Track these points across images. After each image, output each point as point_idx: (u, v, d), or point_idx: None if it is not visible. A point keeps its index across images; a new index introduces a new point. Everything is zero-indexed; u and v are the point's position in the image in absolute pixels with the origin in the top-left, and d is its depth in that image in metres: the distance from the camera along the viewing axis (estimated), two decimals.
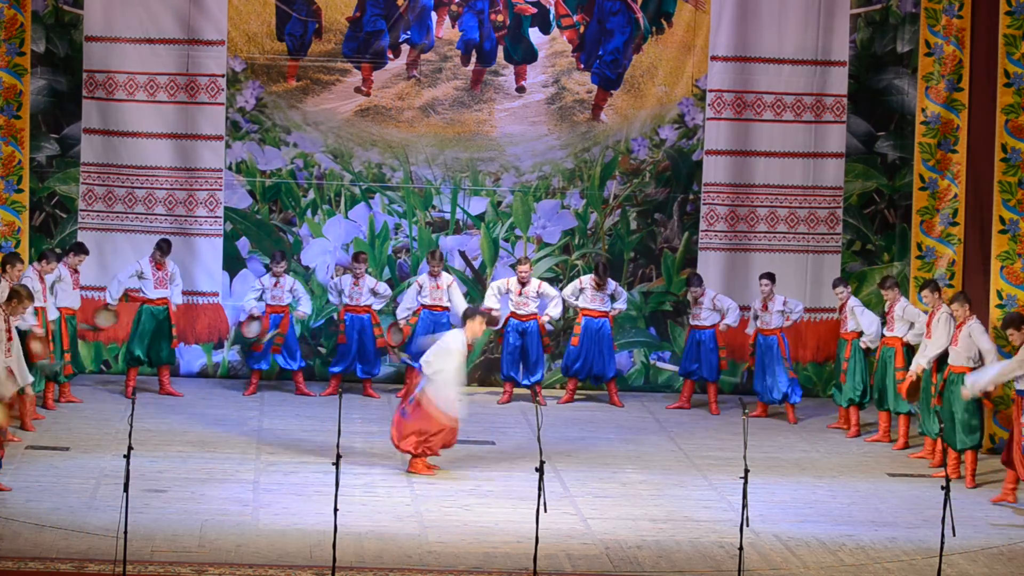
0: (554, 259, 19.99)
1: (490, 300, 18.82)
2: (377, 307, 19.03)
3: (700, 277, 19.05)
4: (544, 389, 19.34)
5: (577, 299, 18.99)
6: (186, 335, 19.30)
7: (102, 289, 19.15)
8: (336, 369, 18.99)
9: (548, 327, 19.09)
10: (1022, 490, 15.21)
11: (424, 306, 18.90)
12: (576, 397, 19.29)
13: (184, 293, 19.23)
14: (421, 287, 18.88)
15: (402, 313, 18.88)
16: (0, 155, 18.71)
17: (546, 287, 19.02)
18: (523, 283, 18.85)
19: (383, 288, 19.07)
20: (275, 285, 18.78)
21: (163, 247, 18.51)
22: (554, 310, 18.90)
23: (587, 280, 18.99)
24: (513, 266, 19.32)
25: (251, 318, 18.55)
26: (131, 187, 19.43)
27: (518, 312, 18.89)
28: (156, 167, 19.44)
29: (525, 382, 18.98)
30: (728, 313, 18.83)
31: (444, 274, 19.01)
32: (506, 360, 19.02)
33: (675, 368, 19.45)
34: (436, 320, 18.84)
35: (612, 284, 19.03)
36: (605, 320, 18.95)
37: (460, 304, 18.68)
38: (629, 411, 18.91)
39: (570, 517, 14.09)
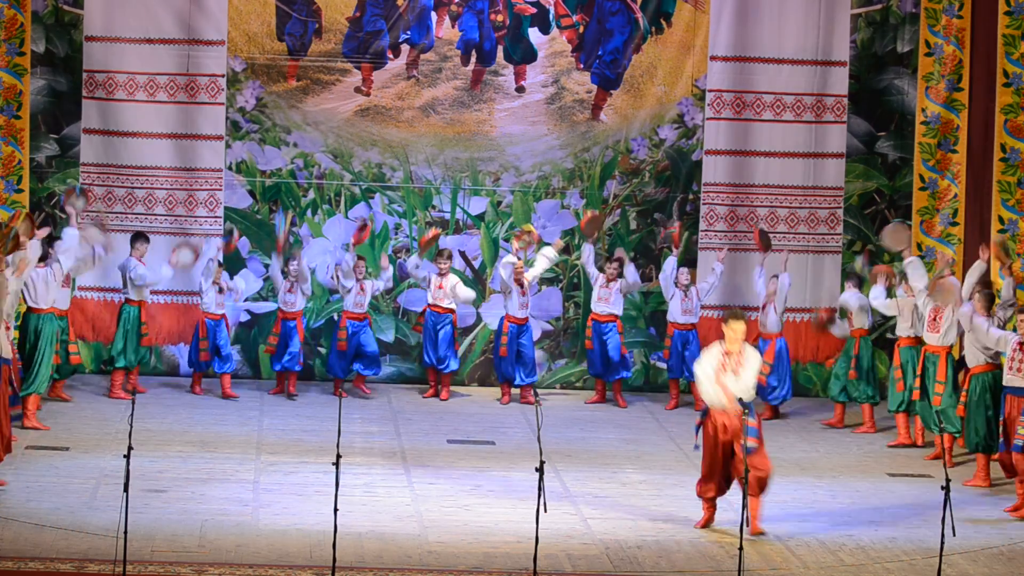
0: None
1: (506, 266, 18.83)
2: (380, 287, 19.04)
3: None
4: (543, 389, 19.36)
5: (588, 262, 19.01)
6: (186, 335, 19.26)
7: (101, 290, 19.17)
8: (335, 373, 18.92)
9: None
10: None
11: (429, 306, 18.95)
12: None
13: (183, 293, 19.26)
14: (430, 283, 18.91)
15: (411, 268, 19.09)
16: (0, 155, 18.72)
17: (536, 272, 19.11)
18: (519, 283, 18.71)
19: (377, 286, 19.00)
20: (288, 290, 18.76)
21: (144, 239, 18.49)
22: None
23: (599, 278, 19.02)
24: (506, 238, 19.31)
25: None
26: (131, 187, 19.43)
27: (515, 316, 18.87)
28: (156, 167, 19.44)
29: (519, 382, 18.99)
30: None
31: (452, 276, 19.00)
32: (504, 361, 18.99)
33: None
34: (439, 321, 18.89)
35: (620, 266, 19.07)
36: (613, 324, 18.95)
37: (466, 293, 18.93)
38: (629, 411, 18.92)
39: (570, 517, 14.09)
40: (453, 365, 19.06)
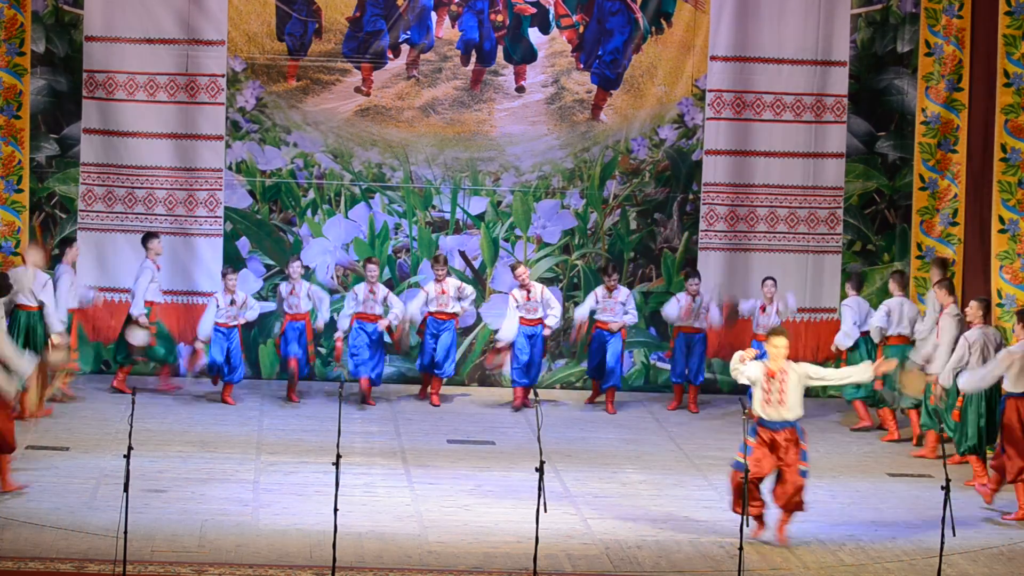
0: (554, 259, 19.98)
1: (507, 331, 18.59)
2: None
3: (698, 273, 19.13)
4: (542, 389, 19.34)
5: (593, 314, 18.77)
6: (186, 335, 19.25)
7: (102, 289, 19.13)
8: (359, 374, 18.51)
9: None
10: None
11: (430, 313, 18.67)
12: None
13: (183, 293, 19.28)
14: (428, 294, 18.64)
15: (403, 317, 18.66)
16: (0, 155, 18.72)
17: (549, 294, 18.75)
18: (526, 288, 18.61)
19: (395, 301, 18.61)
20: (291, 292, 18.47)
21: (155, 236, 18.54)
22: (551, 320, 18.68)
23: (599, 291, 18.82)
24: (513, 267, 19.12)
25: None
26: (131, 187, 19.42)
27: (528, 317, 18.61)
28: (156, 167, 19.44)
29: (516, 383, 18.82)
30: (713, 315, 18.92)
31: (450, 279, 18.77)
32: (516, 367, 18.68)
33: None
34: (440, 328, 18.66)
35: (624, 292, 18.84)
36: (617, 332, 18.75)
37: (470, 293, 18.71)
38: (629, 411, 18.90)
39: (570, 517, 14.10)
40: (449, 370, 18.86)
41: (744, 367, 13.60)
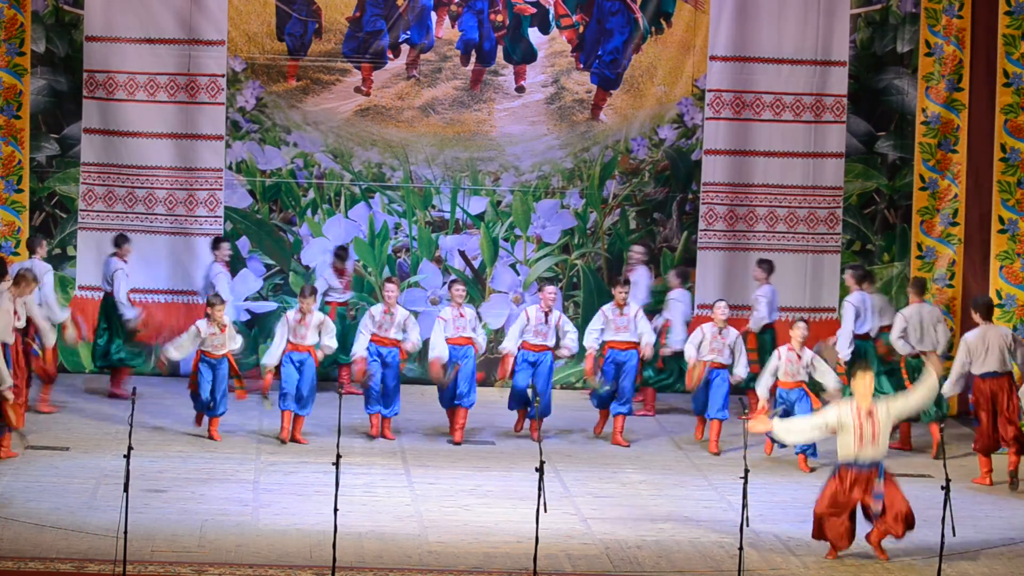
0: (554, 259, 19.99)
1: (509, 341, 17.25)
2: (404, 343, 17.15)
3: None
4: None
5: (601, 336, 17.27)
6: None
7: (100, 289, 19.15)
8: (372, 410, 16.98)
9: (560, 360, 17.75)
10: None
11: (447, 339, 17.02)
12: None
13: (183, 293, 19.30)
14: (445, 322, 17.09)
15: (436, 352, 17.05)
16: (0, 155, 18.73)
17: (565, 321, 17.38)
18: (544, 310, 17.20)
19: (412, 326, 17.02)
20: (300, 322, 16.63)
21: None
22: (571, 342, 17.22)
23: (608, 309, 17.32)
24: (541, 285, 17.75)
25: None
26: (131, 187, 19.44)
27: (532, 342, 17.21)
28: (156, 167, 19.45)
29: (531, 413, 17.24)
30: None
31: (467, 307, 17.28)
32: (517, 393, 17.28)
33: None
34: (457, 354, 16.98)
35: (635, 307, 17.38)
36: (634, 351, 17.21)
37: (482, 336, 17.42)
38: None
39: (570, 517, 14.10)
40: (474, 398, 17.15)
41: (826, 416, 13.10)
